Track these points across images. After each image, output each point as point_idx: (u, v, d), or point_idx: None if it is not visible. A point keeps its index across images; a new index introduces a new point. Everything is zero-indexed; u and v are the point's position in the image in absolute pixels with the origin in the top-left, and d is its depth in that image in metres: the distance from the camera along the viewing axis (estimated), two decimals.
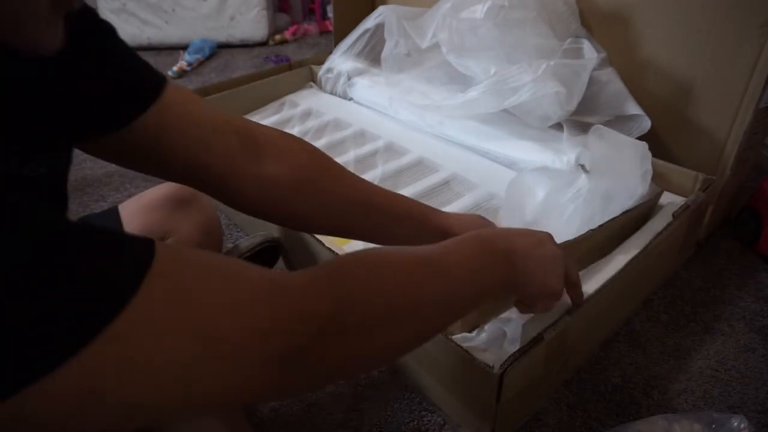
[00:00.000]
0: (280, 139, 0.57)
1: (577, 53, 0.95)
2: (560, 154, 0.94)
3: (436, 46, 1.08)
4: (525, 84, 0.92)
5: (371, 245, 0.59)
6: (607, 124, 0.96)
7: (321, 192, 0.56)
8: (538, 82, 0.91)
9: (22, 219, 0.25)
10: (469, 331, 0.65)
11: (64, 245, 0.26)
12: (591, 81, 0.95)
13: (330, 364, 0.35)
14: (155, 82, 0.48)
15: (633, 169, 0.81)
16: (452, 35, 1.03)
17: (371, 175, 1.01)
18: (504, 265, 0.47)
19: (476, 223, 0.63)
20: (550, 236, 0.53)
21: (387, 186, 0.82)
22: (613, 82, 0.95)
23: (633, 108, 0.93)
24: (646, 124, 0.92)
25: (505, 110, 0.99)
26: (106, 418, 0.27)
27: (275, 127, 0.58)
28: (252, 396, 0.34)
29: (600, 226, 0.72)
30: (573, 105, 0.94)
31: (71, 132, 0.46)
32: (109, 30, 0.46)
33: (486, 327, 0.65)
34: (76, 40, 0.37)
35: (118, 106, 0.46)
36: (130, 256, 0.28)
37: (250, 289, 0.32)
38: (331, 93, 1.36)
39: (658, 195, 0.83)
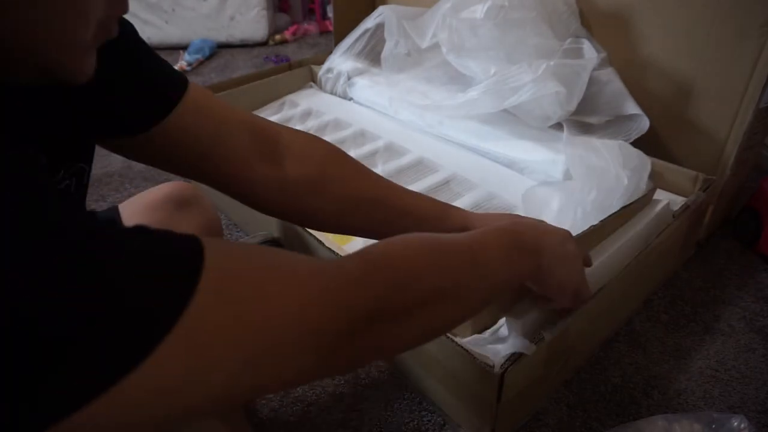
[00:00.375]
0: (297, 138, 0.57)
1: (578, 53, 0.95)
2: (560, 154, 0.94)
3: (436, 46, 1.08)
4: (525, 84, 0.92)
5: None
6: (607, 124, 0.96)
7: (335, 192, 0.56)
8: (538, 82, 0.91)
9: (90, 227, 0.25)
10: (480, 332, 0.65)
11: (126, 254, 0.26)
12: (591, 81, 0.95)
13: (371, 348, 0.36)
14: (178, 85, 0.49)
15: (614, 168, 0.82)
16: (452, 35, 1.03)
17: None
18: (531, 259, 0.49)
19: (503, 221, 0.61)
20: (570, 235, 0.56)
21: None
22: (612, 82, 0.95)
23: (632, 108, 0.93)
24: (645, 124, 0.92)
25: (505, 110, 0.99)
26: (153, 423, 0.27)
27: None
28: (296, 383, 0.35)
29: (600, 221, 0.72)
30: (573, 105, 0.94)
31: (94, 137, 0.46)
32: (132, 32, 0.47)
33: (507, 336, 0.65)
34: (104, 45, 0.37)
35: (143, 111, 0.47)
36: (182, 262, 0.28)
37: (301, 286, 0.32)
38: (331, 93, 1.36)
39: (652, 191, 0.83)
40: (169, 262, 0.27)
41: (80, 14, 0.30)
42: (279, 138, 0.55)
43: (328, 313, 0.32)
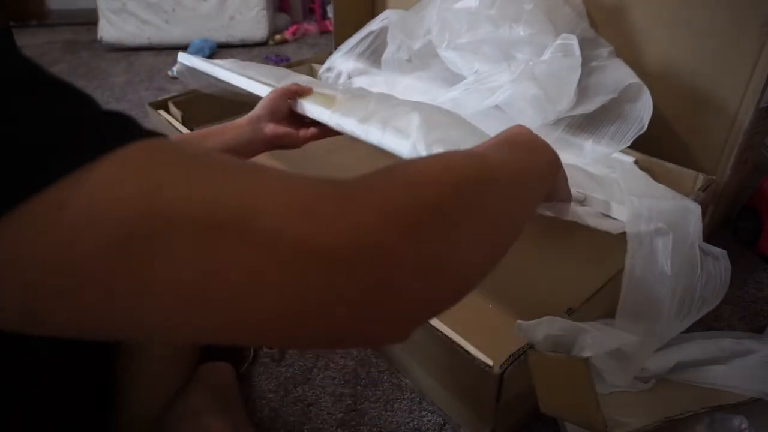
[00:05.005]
0: None
1: (568, 50, 0.93)
2: (561, 151, 0.93)
3: (436, 54, 1.08)
4: (502, 85, 0.91)
5: None
6: (614, 115, 0.93)
7: None
8: (516, 84, 0.89)
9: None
10: None
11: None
12: (596, 72, 0.93)
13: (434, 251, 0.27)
14: None
15: None
16: (444, 29, 1.03)
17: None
18: (552, 163, 0.47)
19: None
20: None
21: None
22: (618, 67, 0.94)
23: (630, 77, 0.90)
24: (648, 97, 0.89)
25: (502, 110, 0.99)
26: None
27: None
28: (319, 338, 0.26)
29: None
30: (562, 105, 0.92)
31: None
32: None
33: None
34: None
35: None
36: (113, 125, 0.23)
37: (312, 187, 0.25)
38: None
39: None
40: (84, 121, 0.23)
41: None
42: None
43: (355, 221, 0.25)
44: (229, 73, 1.06)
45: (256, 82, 0.99)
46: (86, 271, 0.21)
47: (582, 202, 0.71)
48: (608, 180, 0.74)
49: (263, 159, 0.82)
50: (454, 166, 0.32)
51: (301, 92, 0.79)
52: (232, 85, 1.05)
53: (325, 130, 0.79)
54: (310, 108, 0.78)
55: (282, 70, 1.19)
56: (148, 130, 0.24)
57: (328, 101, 0.79)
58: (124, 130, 0.23)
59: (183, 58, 1.18)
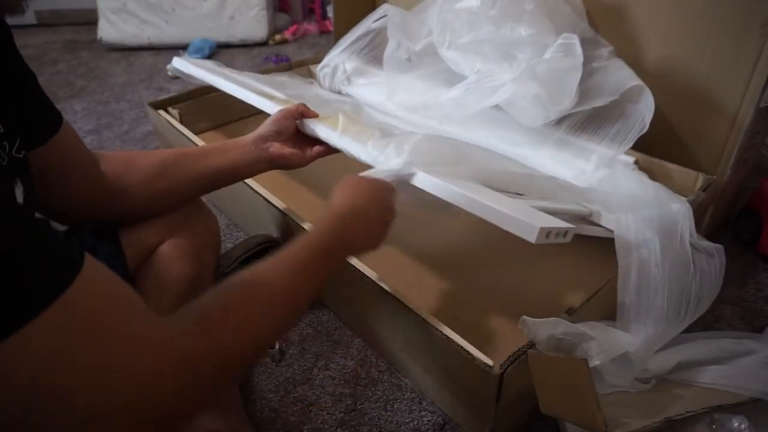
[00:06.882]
0: (124, 160, 0.67)
1: (569, 50, 0.93)
2: (560, 152, 0.94)
3: (436, 53, 1.08)
4: (504, 83, 0.91)
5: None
6: (617, 115, 0.93)
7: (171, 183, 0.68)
8: (517, 82, 0.89)
9: None
10: None
11: None
12: (598, 72, 0.93)
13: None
14: (52, 124, 0.54)
15: None
16: (445, 30, 1.03)
17: None
18: (340, 261, 0.57)
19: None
20: (385, 192, 0.63)
21: None
22: (618, 68, 0.94)
23: (633, 79, 0.91)
24: (650, 99, 0.89)
25: (502, 109, 0.99)
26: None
27: None
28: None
29: None
30: (564, 105, 0.93)
31: None
32: (27, 68, 0.51)
33: None
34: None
35: (29, 133, 0.51)
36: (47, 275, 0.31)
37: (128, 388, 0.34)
38: (330, 89, 1.36)
39: None
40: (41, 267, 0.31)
41: None
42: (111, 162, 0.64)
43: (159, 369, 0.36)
44: (227, 82, 1.06)
45: (256, 93, 0.99)
46: None
47: (588, 217, 0.73)
48: (598, 193, 0.74)
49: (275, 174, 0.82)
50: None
51: (308, 114, 0.80)
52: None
53: (330, 149, 0.79)
54: (318, 129, 0.79)
55: (276, 80, 1.19)
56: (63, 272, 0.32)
57: (334, 122, 0.80)
58: (25, 305, 0.30)
59: (178, 63, 1.18)
